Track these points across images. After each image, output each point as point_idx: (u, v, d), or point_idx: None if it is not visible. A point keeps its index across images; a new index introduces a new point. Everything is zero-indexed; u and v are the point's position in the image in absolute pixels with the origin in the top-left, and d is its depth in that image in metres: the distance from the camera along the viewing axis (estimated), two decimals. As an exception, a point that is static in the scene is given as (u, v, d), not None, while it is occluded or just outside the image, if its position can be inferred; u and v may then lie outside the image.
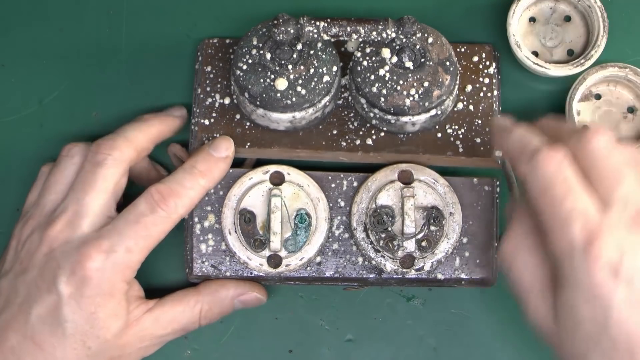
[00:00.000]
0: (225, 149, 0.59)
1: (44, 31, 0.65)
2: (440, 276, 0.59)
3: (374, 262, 0.59)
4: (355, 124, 0.60)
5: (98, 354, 0.55)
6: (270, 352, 0.62)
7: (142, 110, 0.62)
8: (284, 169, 0.59)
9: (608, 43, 0.62)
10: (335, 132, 0.60)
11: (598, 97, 0.63)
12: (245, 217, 0.58)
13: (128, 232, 0.55)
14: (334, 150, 0.60)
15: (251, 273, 0.59)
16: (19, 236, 0.58)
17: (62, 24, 0.65)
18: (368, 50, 0.58)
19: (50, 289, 0.54)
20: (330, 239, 0.60)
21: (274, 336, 0.62)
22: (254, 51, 0.58)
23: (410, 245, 0.58)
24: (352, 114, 0.61)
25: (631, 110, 0.63)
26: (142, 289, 0.58)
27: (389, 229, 0.58)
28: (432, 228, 0.58)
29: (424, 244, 0.58)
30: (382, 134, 0.60)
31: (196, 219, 0.60)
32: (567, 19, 0.64)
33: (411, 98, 0.57)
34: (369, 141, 0.60)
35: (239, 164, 0.61)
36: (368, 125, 0.60)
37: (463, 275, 0.59)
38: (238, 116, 0.60)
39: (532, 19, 0.64)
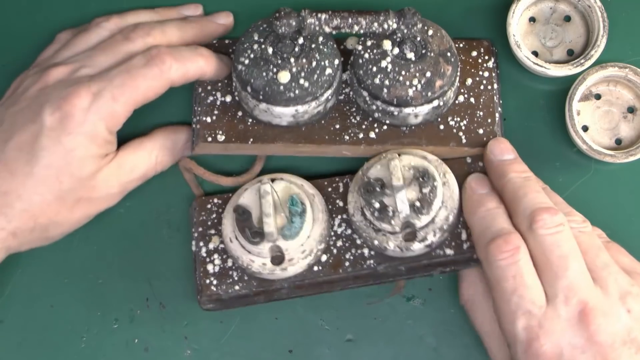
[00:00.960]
0: (226, 59, 0.61)
1: (44, 31, 0.65)
2: (448, 251, 0.58)
3: (376, 243, 0.58)
4: (358, 118, 0.60)
5: (69, 192, 0.56)
6: (270, 352, 0.62)
7: (142, 108, 0.62)
8: (277, 176, 0.59)
9: (608, 43, 0.62)
10: (337, 126, 0.60)
11: (598, 97, 0.63)
12: (239, 211, 0.57)
13: (117, 79, 0.56)
14: (337, 144, 0.60)
15: (260, 285, 0.59)
16: (22, 78, 0.59)
17: (62, 24, 0.65)
18: (369, 43, 0.58)
19: (35, 119, 0.55)
20: (334, 237, 0.59)
21: (274, 336, 0.62)
22: (255, 46, 0.58)
23: (404, 209, 0.56)
24: (353, 109, 0.61)
25: (631, 110, 0.63)
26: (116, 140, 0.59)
27: (377, 189, 0.57)
28: (424, 190, 0.57)
29: (417, 204, 0.56)
30: (385, 127, 0.60)
31: (201, 244, 0.60)
32: (567, 19, 0.64)
33: (414, 88, 0.57)
34: (372, 134, 0.60)
35: (243, 172, 0.62)
36: (370, 119, 0.60)
37: (472, 251, 0.58)
38: (240, 113, 0.60)
39: (532, 19, 0.64)
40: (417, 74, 0.57)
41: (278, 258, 0.58)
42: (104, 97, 0.55)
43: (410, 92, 0.57)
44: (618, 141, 0.63)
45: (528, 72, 0.63)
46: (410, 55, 0.58)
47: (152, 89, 0.57)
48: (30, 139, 0.55)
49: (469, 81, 0.61)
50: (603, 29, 0.62)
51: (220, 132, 0.60)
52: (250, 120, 0.60)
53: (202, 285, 0.59)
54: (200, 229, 0.60)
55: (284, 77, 0.57)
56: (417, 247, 0.57)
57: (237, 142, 0.60)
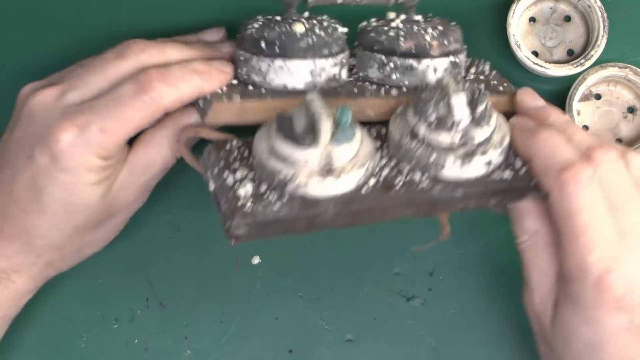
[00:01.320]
0: (227, 66, 0.57)
1: (44, 31, 0.65)
2: (506, 174, 0.55)
3: (432, 159, 0.53)
4: (374, 87, 0.58)
5: (85, 219, 0.55)
6: (270, 352, 0.62)
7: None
8: None
9: (608, 43, 0.62)
10: (355, 90, 0.57)
11: (598, 97, 0.63)
12: (283, 118, 0.51)
13: (105, 111, 0.53)
14: (359, 98, 0.57)
15: (302, 206, 0.51)
16: (20, 97, 0.56)
17: (62, 24, 0.65)
18: (373, 19, 0.58)
19: (30, 155, 0.53)
20: (378, 168, 0.54)
21: (274, 336, 0.62)
22: (261, 19, 0.56)
23: (464, 115, 0.53)
24: (367, 83, 0.58)
25: (631, 110, 0.63)
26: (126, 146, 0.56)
27: (434, 98, 0.53)
28: (480, 108, 0.53)
29: (477, 114, 0.53)
30: (404, 89, 0.58)
31: (225, 174, 0.52)
32: (567, 19, 0.64)
33: (430, 35, 0.56)
34: (394, 92, 0.57)
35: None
36: (387, 86, 0.58)
37: (528, 177, 0.54)
38: (251, 87, 0.57)
39: (532, 19, 0.64)
40: (430, 27, 0.57)
41: (328, 167, 0.51)
42: (91, 130, 0.53)
43: (427, 38, 0.56)
44: (618, 141, 0.63)
45: (528, 72, 0.63)
46: (418, 17, 0.58)
47: (143, 118, 0.53)
48: (31, 177, 0.54)
49: (473, 70, 0.61)
50: (603, 29, 0.62)
51: (235, 94, 0.56)
52: (263, 90, 0.56)
53: (234, 208, 0.50)
54: (221, 164, 0.53)
55: (299, 27, 0.55)
56: (477, 162, 0.54)
57: (256, 99, 0.55)
